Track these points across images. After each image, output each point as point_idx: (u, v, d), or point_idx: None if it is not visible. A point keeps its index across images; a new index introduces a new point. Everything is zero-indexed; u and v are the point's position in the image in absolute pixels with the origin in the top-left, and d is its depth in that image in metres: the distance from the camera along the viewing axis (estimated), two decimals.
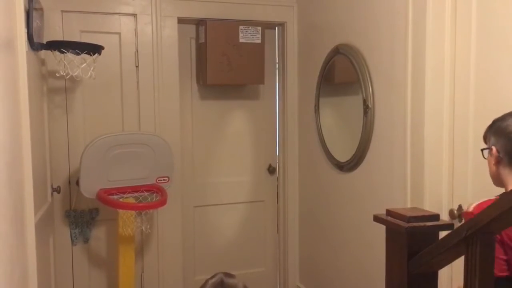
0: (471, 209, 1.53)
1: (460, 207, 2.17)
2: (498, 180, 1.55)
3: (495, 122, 1.53)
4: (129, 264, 2.90)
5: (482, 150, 1.59)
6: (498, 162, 1.50)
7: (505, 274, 1.47)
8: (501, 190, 1.57)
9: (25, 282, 1.84)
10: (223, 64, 3.23)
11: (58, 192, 2.95)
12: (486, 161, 1.61)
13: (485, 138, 1.58)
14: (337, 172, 3.02)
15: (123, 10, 3.14)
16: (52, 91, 3.01)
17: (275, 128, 3.68)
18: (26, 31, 2.07)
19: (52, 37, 2.79)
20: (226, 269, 3.64)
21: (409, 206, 2.29)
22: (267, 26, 3.43)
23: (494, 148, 1.50)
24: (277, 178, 3.69)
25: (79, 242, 3.15)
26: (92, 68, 2.65)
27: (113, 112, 3.17)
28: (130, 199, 2.85)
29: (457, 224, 2.09)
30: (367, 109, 2.66)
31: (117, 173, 2.80)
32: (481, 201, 1.56)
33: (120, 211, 2.78)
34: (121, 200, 2.80)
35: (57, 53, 2.54)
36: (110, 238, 3.19)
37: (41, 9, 2.62)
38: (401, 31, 2.35)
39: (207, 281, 1.67)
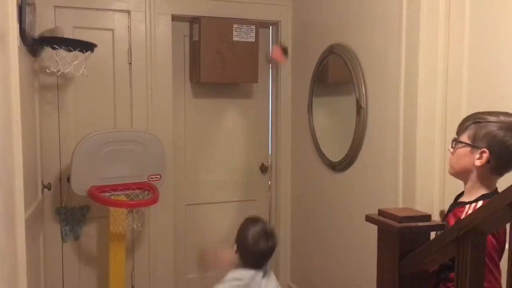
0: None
1: None
2: (465, 176, 1.60)
3: (484, 122, 1.54)
4: (120, 261, 2.89)
5: (458, 142, 1.60)
6: (483, 164, 1.53)
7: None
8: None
9: (15, 279, 1.82)
10: (217, 62, 3.22)
11: (49, 189, 2.93)
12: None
13: (463, 132, 1.59)
14: (329, 172, 3.03)
15: (117, 6, 3.12)
16: (43, 87, 2.99)
17: (268, 127, 3.68)
18: (18, 26, 2.05)
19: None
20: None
21: (400, 206, 2.30)
22: (261, 25, 3.43)
23: (487, 152, 1.52)
24: (270, 177, 3.69)
25: (69, 239, 3.13)
26: (84, 66, 2.63)
27: (105, 109, 3.16)
28: (121, 196, 2.83)
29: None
30: (360, 109, 2.66)
31: (109, 170, 2.78)
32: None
33: (112, 208, 2.77)
34: (112, 197, 2.78)
35: (49, 49, 2.52)
36: (101, 235, 3.17)
37: (34, 4, 2.59)
38: (395, 31, 2.36)
39: (248, 227, 1.95)
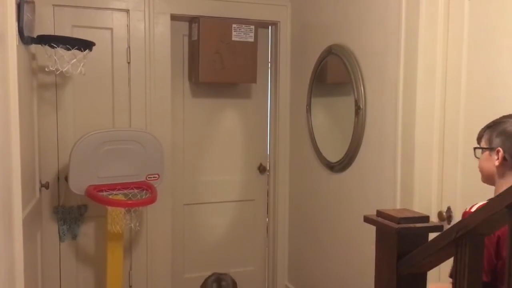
0: (474, 209, 1.54)
1: (449, 209, 2.18)
2: (492, 179, 1.61)
3: (497, 123, 1.58)
4: (117, 261, 2.88)
5: (477, 148, 1.64)
6: (501, 163, 1.55)
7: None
8: (491, 192, 1.59)
9: (12, 278, 1.82)
10: (216, 62, 3.22)
11: (47, 188, 2.92)
12: (475, 163, 1.64)
13: (481, 138, 1.63)
14: (327, 172, 3.03)
15: (116, 5, 3.12)
16: (42, 86, 2.98)
17: (267, 127, 3.68)
18: (17, 25, 2.04)
19: (43, 31, 2.75)
20: (215, 267, 3.71)
21: (398, 207, 2.30)
22: (260, 25, 3.42)
23: (501, 150, 1.53)
24: (268, 177, 3.69)
25: (67, 239, 3.13)
26: (82, 64, 2.62)
27: (104, 108, 3.15)
28: (119, 196, 2.83)
29: (445, 226, 2.10)
30: (358, 110, 2.66)
31: (107, 169, 2.77)
32: (482, 203, 1.57)
33: (109, 208, 2.76)
34: (110, 197, 2.78)
35: (47, 47, 2.51)
36: (99, 235, 3.17)
37: (33, 2, 2.58)
38: (394, 32, 2.36)
39: (206, 280, 2.27)
